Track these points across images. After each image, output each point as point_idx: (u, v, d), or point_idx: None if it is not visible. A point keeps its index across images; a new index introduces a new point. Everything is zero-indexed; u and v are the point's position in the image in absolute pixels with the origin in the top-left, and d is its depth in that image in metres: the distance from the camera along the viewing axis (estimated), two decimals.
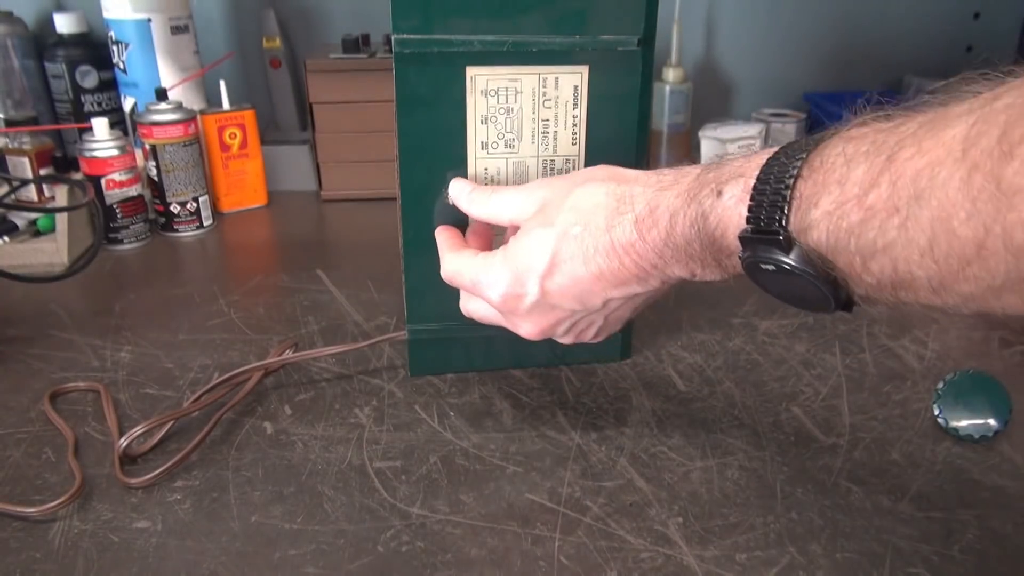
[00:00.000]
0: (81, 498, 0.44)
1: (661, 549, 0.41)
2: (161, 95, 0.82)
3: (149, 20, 0.88)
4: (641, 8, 0.47)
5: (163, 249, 0.81)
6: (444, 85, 0.47)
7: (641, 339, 0.61)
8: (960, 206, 0.25)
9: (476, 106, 0.48)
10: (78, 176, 0.79)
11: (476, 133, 0.49)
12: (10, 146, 0.80)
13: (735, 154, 0.36)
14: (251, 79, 1.08)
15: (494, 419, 0.52)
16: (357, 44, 0.90)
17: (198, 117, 0.85)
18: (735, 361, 0.58)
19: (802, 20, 1.13)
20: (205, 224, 0.85)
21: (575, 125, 0.49)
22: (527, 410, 0.53)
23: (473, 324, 0.48)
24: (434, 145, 0.49)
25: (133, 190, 0.79)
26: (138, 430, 0.47)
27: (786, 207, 0.31)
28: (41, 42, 0.97)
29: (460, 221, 0.50)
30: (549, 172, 0.50)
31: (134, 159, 0.79)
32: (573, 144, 0.50)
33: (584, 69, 0.48)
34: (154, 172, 0.81)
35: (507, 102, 0.48)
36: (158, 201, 0.83)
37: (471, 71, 0.47)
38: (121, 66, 0.91)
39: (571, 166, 0.50)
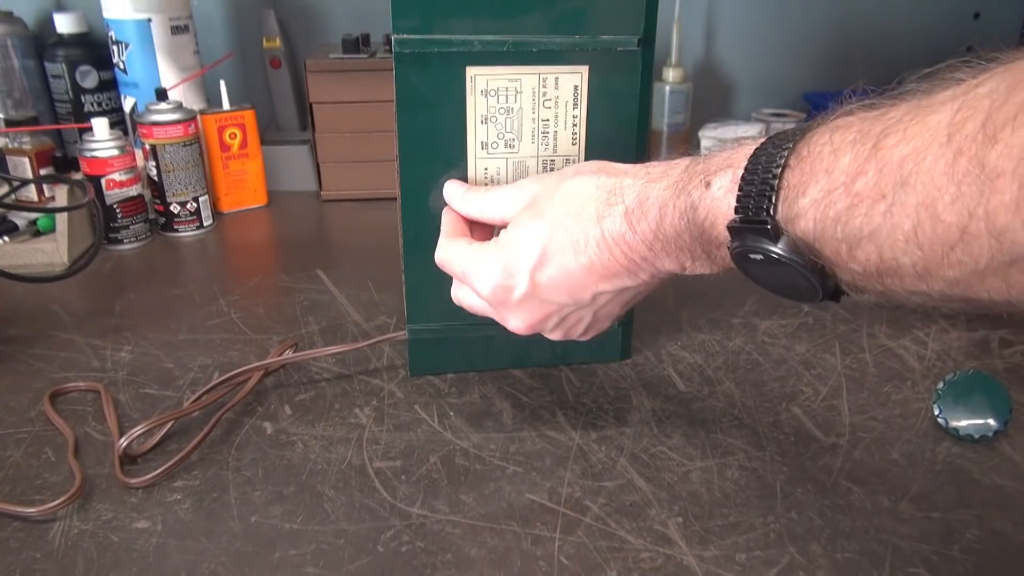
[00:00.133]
0: (81, 498, 0.44)
1: (661, 549, 0.41)
2: (161, 95, 0.82)
3: (149, 20, 0.88)
4: (641, 8, 0.47)
5: (163, 249, 0.81)
6: (444, 85, 0.47)
7: (641, 339, 0.61)
8: (945, 190, 0.25)
9: (476, 106, 0.48)
10: (78, 176, 0.79)
11: (476, 133, 0.49)
12: (10, 146, 0.80)
13: (723, 146, 0.36)
14: (251, 79, 1.08)
15: (494, 419, 0.52)
16: (357, 44, 0.90)
17: (198, 117, 0.85)
18: (735, 361, 0.58)
19: (802, 20, 1.13)
20: (205, 224, 0.85)
21: (575, 125, 0.49)
22: (527, 410, 0.53)
23: (473, 324, 0.48)
24: (434, 145, 0.49)
25: (133, 190, 0.79)
26: (138, 430, 0.47)
27: (774, 196, 0.31)
28: (41, 42, 0.97)
29: None
30: (548, 172, 0.50)
31: (134, 159, 0.79)
32: (573, 144, 0.50)
33: (584, 69, 0.48)
34: (154, 172, 0.81)
35: (507, 102, 0.48)
36: (158, 201, 0.83)
37: (471, 71, 0.47)
38: (121, 66, 0.91)
39: None
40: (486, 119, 0.48)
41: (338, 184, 0.95)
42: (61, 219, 0.74)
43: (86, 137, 0.77)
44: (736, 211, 0.33)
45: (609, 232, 0.39)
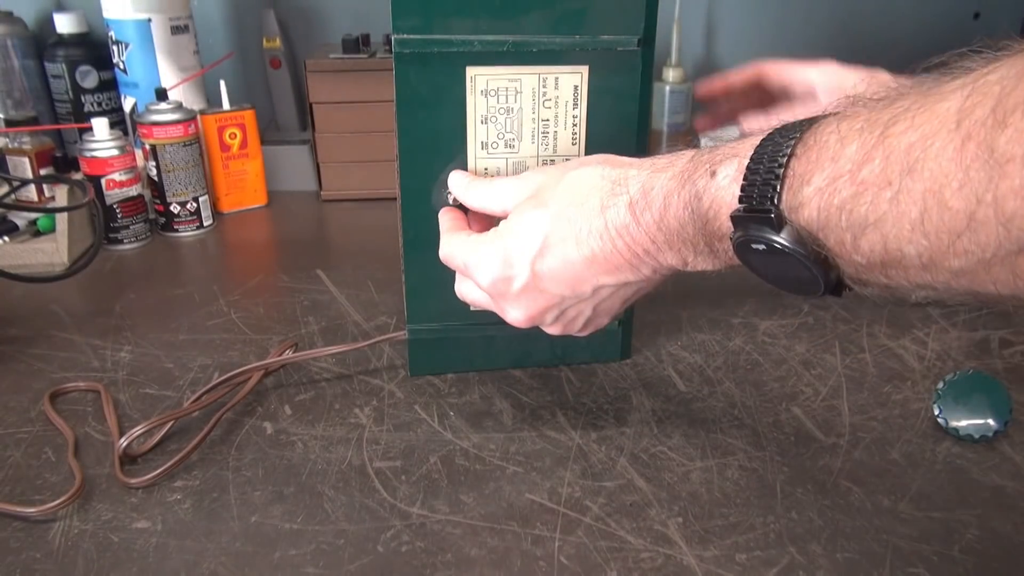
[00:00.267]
0: (81, 498, 0.44)
1: (661, 549, 0.41)
2: (161, 95, 0.82)
3: (149, 20, 0.88)
4: (641, 8, 0.47)
5: (163, 249, 0.81)
6: (444, 85, 0.47)
7: (641, 339, 0.61)
8: (953, 176, 0.25)
9: (476, 106, 0.48)
10: (78, 176, 0.79)
11: (476, 133, 0.49)
12: (10, 146, 0.80)
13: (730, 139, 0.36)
14: (251, 79, 1.08)
15: (494, 419, 0.52)
16: (357, 44, 0.90)
17: (198, 117, 0.85)
18: (735, 361, 0.58)
19: (801, 20, 1.13)
20: (205, 224, 0.85)
21: (575, 125, 0.49)
22: (527, 410, 0.53)
23: (473, 324, 0.48)
24: (434, 145, 0.49)
25: (133, 190, 0.79)
26: (138, 430, 0.47)
27: (779, 185, 0.31)
28: (41, 42, 0.97)
29: None
30: None
31: (134, 159, 0.79)
32: (573, 144, 0.50)
33: (584, 69, 0.48)
34: (154, 172, 0.81)
35: (507, 102, 0.48)
36: (158, 201, 0.83)
37: (471, 71, 0.47)
38: (121, 66, 0.91)
39: None
40: (486, 119, 0.48)
41: (338, 184, 0.95)
42: (61, 219, 0.74)
43: (86, 137, 0.77)
44: (740, 200, 0.33)
45: (612, 223, 0.38)
